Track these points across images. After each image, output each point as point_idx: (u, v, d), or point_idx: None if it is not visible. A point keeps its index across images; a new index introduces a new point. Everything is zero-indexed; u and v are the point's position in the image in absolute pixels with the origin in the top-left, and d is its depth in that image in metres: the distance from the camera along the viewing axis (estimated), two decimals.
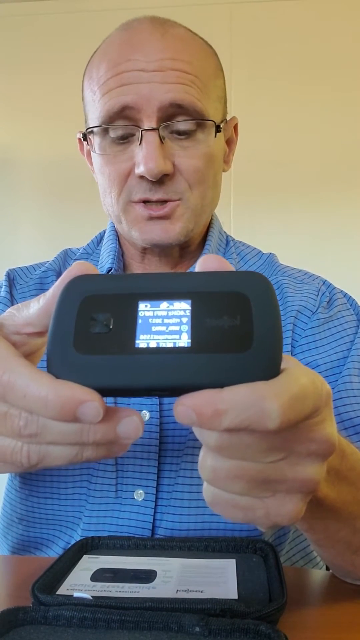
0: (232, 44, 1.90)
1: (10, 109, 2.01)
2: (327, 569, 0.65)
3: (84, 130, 0.71)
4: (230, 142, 0.73)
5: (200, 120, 0.63)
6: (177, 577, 0.46)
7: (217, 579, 0.46)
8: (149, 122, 0.61)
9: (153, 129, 0.61)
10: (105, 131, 0.64)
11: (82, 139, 0.71)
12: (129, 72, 0.62)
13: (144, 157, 0.61)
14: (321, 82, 1.89)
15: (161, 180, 0.62)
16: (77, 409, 0.29)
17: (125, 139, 0.63)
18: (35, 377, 0.30)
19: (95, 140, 0.66)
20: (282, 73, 1.90)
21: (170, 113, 0.62)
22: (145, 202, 0.64)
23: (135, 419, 0.31)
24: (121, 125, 0.63)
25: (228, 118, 0.71)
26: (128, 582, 0.46)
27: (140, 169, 0.61)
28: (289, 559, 0.66)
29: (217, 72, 0.68)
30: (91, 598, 0.42)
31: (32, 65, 1.99)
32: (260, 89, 1.90)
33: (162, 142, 0.62)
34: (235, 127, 0.74)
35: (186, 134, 0.63)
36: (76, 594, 0.42)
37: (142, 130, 0.62)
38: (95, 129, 0.65)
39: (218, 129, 0.65)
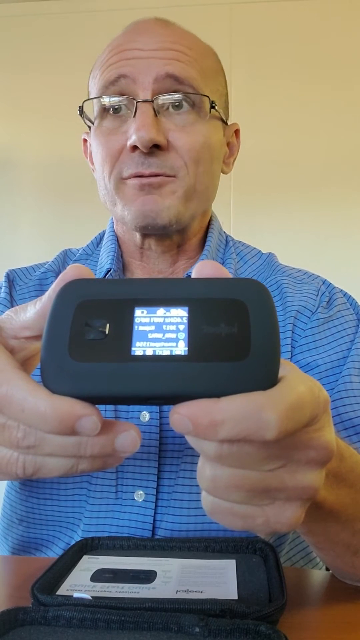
0: (232, 43, 1.90)
1: (11, 108, 2.00)
2: (327, 569, 0.65)
3: (87, 129, 0.71)
4: (231, 146, 0.73)
5: (195, 94, 0.63)
6: (176, 578, 0.46)
7: (217, 579, 0.46)
8: (144, 94, 0.62)
9: (147, 101, 0.62)
10: (104, 111, 0.65)
11: (86, 139, 0.71)
12: (129, 50, 0.63)
13: (136, 126, 0.61)
14: (321, 82, 1.89)
15: (154, 153, 0.62)
16: (75, 423, 0.28)
17: (121, 114, 0.64)
18: (33, 391, 0.30)
19: (95, 121, 0.66)
20: (282, 73, 1.90)
21: (167, 86, 0.62)
22: (138, 177, 0.63)
23: (133, 432, 0.31)
24: (117, 97, 0.63)
25: (229, 123, 0.71)
26: (128, 583, 0.46)
27: (132, 139, 0.61)
28: (289, 560, 0.66)
29: (217, 69, 0.69)
30: (91, 598, 0.41)
31: (32, 65, 1.99)
32: (260, 89, 1.90)
33: (156, 116, 0.62)
34: (237, 133, 0.74)
35: (180, 110, 0.63)
36: (76, 595, 0.42)
37: (136, 102, 0.62)
38: (94, 107, 0.65)
39: (212, 105, 0.65)
